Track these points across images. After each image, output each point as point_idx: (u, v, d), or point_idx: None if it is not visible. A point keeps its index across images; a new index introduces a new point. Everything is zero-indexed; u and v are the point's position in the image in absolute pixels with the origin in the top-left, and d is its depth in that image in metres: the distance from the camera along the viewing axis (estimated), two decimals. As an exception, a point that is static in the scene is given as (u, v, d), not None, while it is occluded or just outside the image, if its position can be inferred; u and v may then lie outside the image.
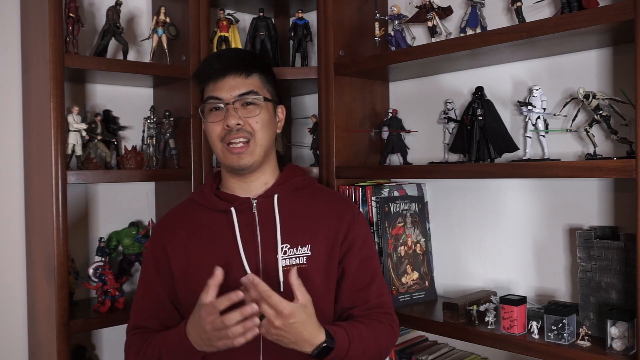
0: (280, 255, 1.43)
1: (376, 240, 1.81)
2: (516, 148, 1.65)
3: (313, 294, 1.41)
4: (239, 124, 1.44)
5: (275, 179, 1.54)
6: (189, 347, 1.32)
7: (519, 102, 1.63)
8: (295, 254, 1.45)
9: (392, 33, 1.86)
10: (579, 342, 1.43)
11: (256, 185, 1.52)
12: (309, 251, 1.45)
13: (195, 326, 1.30)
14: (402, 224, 1.87)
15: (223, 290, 1.41)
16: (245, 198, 1.49)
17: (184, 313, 1.48)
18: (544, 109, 1.58)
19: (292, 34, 2.07)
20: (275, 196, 1.49)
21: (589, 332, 1.44)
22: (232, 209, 1.47)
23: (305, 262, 1.45)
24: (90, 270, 1.91)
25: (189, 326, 1.33)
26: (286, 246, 1.45)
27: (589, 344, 1.41)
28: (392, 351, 1.84)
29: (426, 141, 1.97)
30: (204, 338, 1.28)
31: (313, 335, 1.29)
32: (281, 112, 1.58)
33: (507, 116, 1.75)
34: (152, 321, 1.48)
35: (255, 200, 1.49)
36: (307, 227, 1.48)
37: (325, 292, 1.47)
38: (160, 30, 1.97)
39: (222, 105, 1.45)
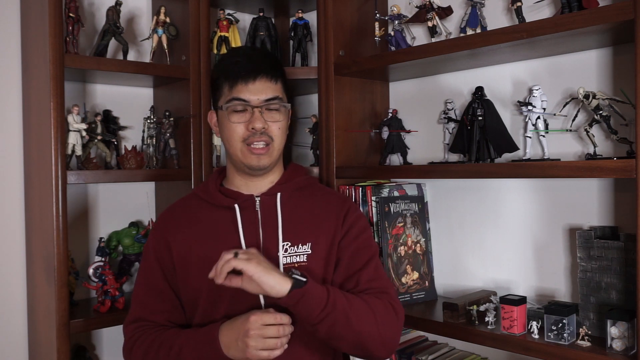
0: (281, 253, 1.45)
1: (376, 240, 1.81)
2: (516, 148, 1.65)
3: None
4: (263, 128, 1.46)
5: (279, 177, 1.56)
6: (218, 349, 1.34)
7: (519, 102, 1.63)
8: (296, 252, 1.46)
9: (392, 33, 1.86)
10: (579, 342, 1.43)
11: (262, 183, 1.54)
12: (309, 249, 1.47)
13: (236, 329, 1.33)
14: (402, 224, 1.87)
15: (225, 287, 1.42)
16: (249, 195, 1.51)
17: (184, 308, 1.50)
18: (544, 109, 1.58)
19: (292, 34, 2.07)
20: (278, 194, 1.51)
21: (589, 332, 1.44)
22: (236, 206, 1.48)
23: (305, 260, 1.46)
24: (90, 270, 1.91)
25: (224, 327, 1.35)
26: (287, 244, 1.46)
27: (589, 344, 1.41)
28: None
29: (426, 141, 1.97)
30: (241, 342, 1.31)
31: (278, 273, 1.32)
32: (289, 114, 1.59)
33: (507, 116, 1.75)
34: (158, 315, 1.48)
35: (259, 198, 1.50)
36: (308, 225, 1.49)
37: None
38: (160, 30, 1.97)
39: (248, 108, 1.47)
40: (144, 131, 2.02)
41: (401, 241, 1.85)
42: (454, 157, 1.84)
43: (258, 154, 1.47)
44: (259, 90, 1.46)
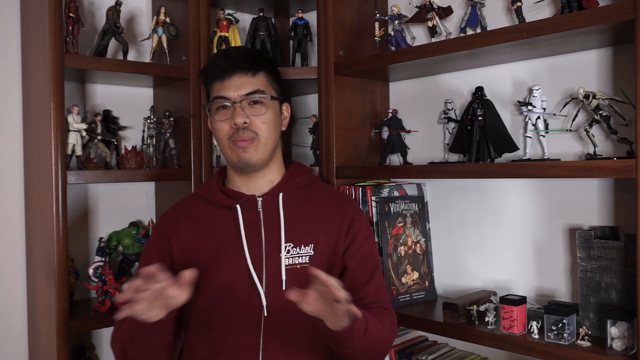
0: (283, 254, 1.44)
1: (376, 240, 1.81)
2: (516, 148, 1.65)
3: None
4: (245, 123, 1.45)
5: (280, 176, 1.55)
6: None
7: (519, 102, 1.63)
8: (298, 253, 1.45)
9: (392, 33, 1.86)
10: (579, 342, 1.43)
11: (262, 183, 1.53)
12: (311, 251, 1.46)
13: None
14: (402, 224, 1.87)
15: (227, 287, 1.41)
16: (251, 196, 1.50)
17: (183, 306, 1.48)
18: (544, 109, 1.58)
19: (292, 34, 2.07)
20: (280, 195, 1.50)
21: (589, 332, 1.44)
22: (238, 206, 1.47)
23: (307, 261, 1.45)
24: (90, 270, 1.91)
25: None
26: (289, 245, 1.45)
27: (589, 344, 1.41)
28: (392, 351, 1.84)
29: (426, 141, 1.97)
30: None
31: None
32: (286, 109, 1.58)
33: (507, 116, 1.75)
34: None
35: (261, 198, 1.49)
36: (310, 226, 1.49)
37: None
38: (160, 30, 1.97)
39: (229, 104, 1.46)
40: (144, 131, 2.02)
41: (401, 241, 1.85)
42: (454, 157, 1.84)
43: (242, 146, 1.45)
44: (236, 86, 1.46)
